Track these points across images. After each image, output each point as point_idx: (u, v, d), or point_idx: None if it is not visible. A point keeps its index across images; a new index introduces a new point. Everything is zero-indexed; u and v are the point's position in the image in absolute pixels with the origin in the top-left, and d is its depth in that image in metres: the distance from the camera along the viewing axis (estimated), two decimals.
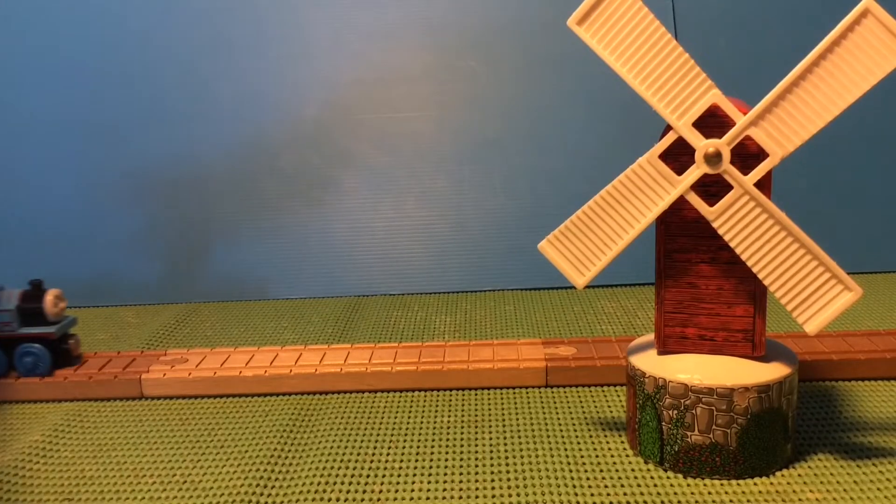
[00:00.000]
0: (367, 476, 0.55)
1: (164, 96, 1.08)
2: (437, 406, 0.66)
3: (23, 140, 1.07)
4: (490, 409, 0.64)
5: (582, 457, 0.56)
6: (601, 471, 0.54)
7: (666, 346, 0.55)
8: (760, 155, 0.50)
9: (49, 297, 0.72)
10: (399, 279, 1.02)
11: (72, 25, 1.07)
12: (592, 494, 0.51)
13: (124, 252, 1.03)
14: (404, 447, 0.59)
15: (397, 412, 0.65)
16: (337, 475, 0.55)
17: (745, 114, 0.49)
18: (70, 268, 1.02)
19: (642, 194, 0.52)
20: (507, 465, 0.55)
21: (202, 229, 1.05)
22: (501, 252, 1.02)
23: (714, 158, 0.49)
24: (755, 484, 0.51)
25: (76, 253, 1.03)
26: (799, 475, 0.52)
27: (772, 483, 0.51)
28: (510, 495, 0.51)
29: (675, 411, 0.52)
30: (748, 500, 0.50)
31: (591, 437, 0.59)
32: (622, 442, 0.58)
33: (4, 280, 0.74)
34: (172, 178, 1.06)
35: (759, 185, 0.50)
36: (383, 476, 0.54)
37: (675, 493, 0.51)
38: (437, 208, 1.05)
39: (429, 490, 0.52)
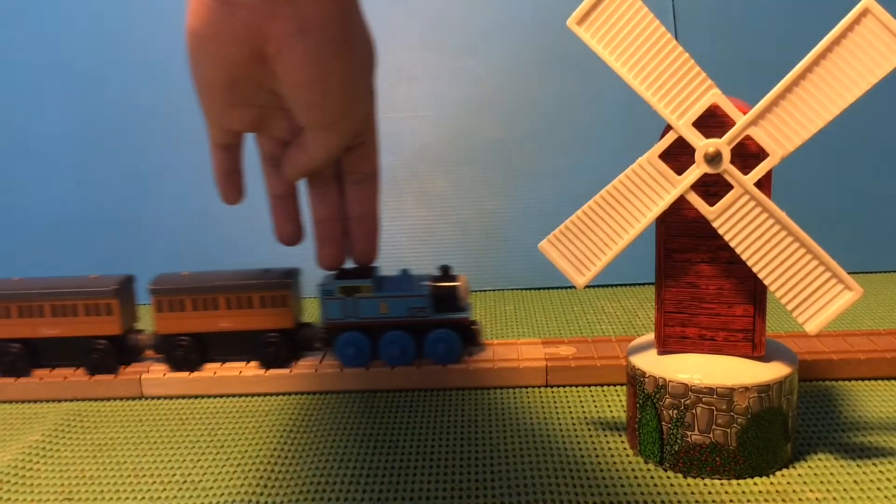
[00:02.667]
0: (367, 476, 0.55)
1: (163, 95, 1.08)
2: (437, 406, 0.66)
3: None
4: (490, 409, 0.64)
5: (582, 457, 0.56)
6: (601, 471, 0.54)
7: (666, 346, 0.55)
8: (760, 155, 0.50)
9: (462, 282, 0.70)
10: None
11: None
12: (592, 494, 0.51)
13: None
14: (404, 447, 0.59)
15: (397, 412, 0.65)
16: (337, 475, 0.55)
17: (745, 114, 0.49)
18: None
19: (642, 194, 0.52)
20: (507, 465, 0.55)
21: (201, 224, 1.05)
22: (501, 252, 1.02)
23: (714, 158, 0.49)
24: (755, 484, 0.51)
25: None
26: (799, 475, 0.52)
27: (772, 483, 0.51)
28: (510, 495, 0.51)
29: (675, 411, 0.52)
30: (748, 500, 0.50)
31: (591, 437, 0.59)
32: (622, 442, 0.58)
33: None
34: (173, 175, 1.06)
35: (759, 184, 0.50)
36: (383, 476, 0.54)
37: (675, 493, 0.51)
38: (437, 208, 1.05)
39: (429, 490, 0.52)
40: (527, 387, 0.69)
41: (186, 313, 0.70)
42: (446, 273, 0.71)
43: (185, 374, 0.70)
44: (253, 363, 0.71)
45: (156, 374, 0.70)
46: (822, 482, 0.51)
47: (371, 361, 0.70)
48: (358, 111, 0.60)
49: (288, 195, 0.66)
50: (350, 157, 0.64)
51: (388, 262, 1.02)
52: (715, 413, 0.51)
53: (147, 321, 0.74)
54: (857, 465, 0.53)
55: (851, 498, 0.49)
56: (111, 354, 0.71)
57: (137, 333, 0.73)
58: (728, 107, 0.49)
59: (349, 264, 0.69)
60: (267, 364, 0.70)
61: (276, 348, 0.70)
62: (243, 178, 0.64)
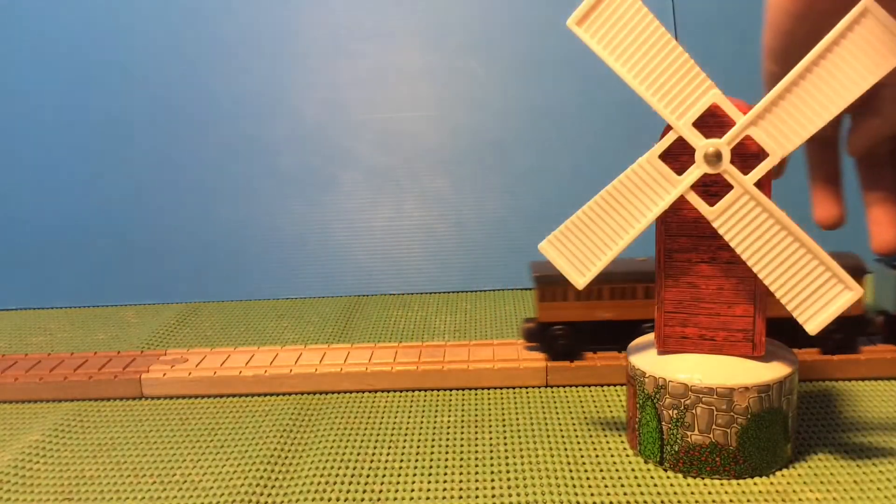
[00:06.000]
0: (367, 476, 0.55)
1: (162, 95, 1.08)
2: (437, 406, 0.66)
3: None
4: (490, 409, 0.64)
5: (582, 457, 0.56)
6: (601, 471, 0.54)
7: (666, 346, 0.55)
8: (760, 154, 0.50)
9: None
10: (399, 279, 1.02)
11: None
12: (592, 494, 0.51)
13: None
14: (404, 447, 0.59)
15: (397, 412, 0.65)
16: (337, 475, 0.55)
17: (745, 114, 0.49)
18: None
19: (642, 194, 0.51)
20: (507, 465, 0.55)
21: (201, 225, 1.05)
22: (501, 252, 1.02)
23: (714, 158, 0.49)
24: (755, 484, 0.51)
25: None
26: (799, 475, 0.52)
27: (772, 483, 0.51)
28: (510, 495, 0.51)
29: (675, 411, 0.52)
30: (748, 500, 0.50)
31: (591, 437, 0.59)
32: (622, 442, 0.58)
33: None
34: (172, 175, 1.06)
35: (759, 184, 0.50)
36: (383, 476, 0.54)
37: (675, 493, 0.51)
38: (437, 208, 1.05)
39: (429, 490, 0.52)
40: (527, 387, 0.69)
41: None
42: None
43: (185, 374, 0.70)
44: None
45: (156, 374, 0.70)
46: (822, 482, 0.51)
47: None
48: None
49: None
50: None
51: (387, 262, 1.02)
52: (715, 413, 0.51)
53: None
54: (857, 465, 0.53)
55: (851, 498, 0.49)
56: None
57: None
58: (728, 107, 0.49)
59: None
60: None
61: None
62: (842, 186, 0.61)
